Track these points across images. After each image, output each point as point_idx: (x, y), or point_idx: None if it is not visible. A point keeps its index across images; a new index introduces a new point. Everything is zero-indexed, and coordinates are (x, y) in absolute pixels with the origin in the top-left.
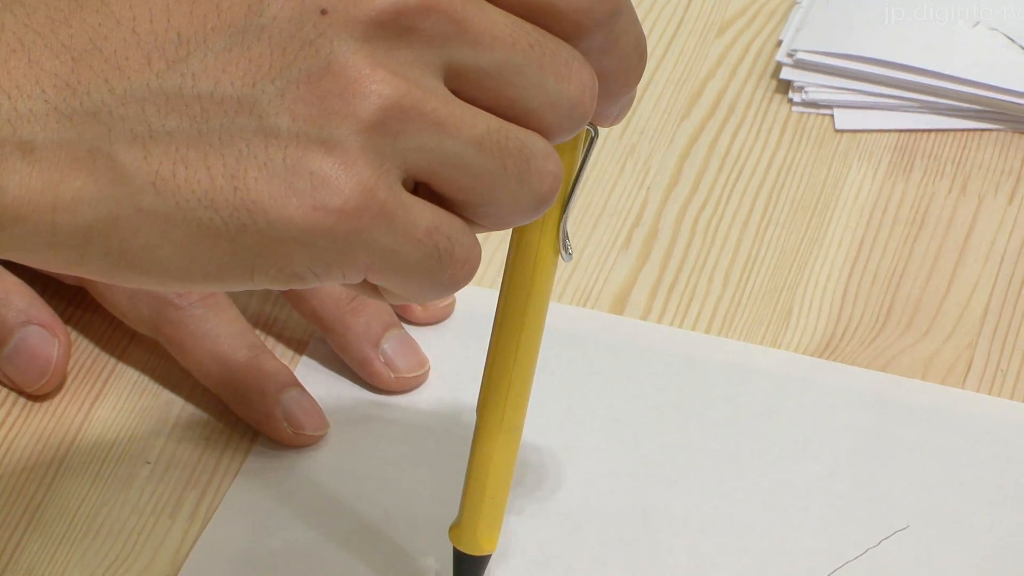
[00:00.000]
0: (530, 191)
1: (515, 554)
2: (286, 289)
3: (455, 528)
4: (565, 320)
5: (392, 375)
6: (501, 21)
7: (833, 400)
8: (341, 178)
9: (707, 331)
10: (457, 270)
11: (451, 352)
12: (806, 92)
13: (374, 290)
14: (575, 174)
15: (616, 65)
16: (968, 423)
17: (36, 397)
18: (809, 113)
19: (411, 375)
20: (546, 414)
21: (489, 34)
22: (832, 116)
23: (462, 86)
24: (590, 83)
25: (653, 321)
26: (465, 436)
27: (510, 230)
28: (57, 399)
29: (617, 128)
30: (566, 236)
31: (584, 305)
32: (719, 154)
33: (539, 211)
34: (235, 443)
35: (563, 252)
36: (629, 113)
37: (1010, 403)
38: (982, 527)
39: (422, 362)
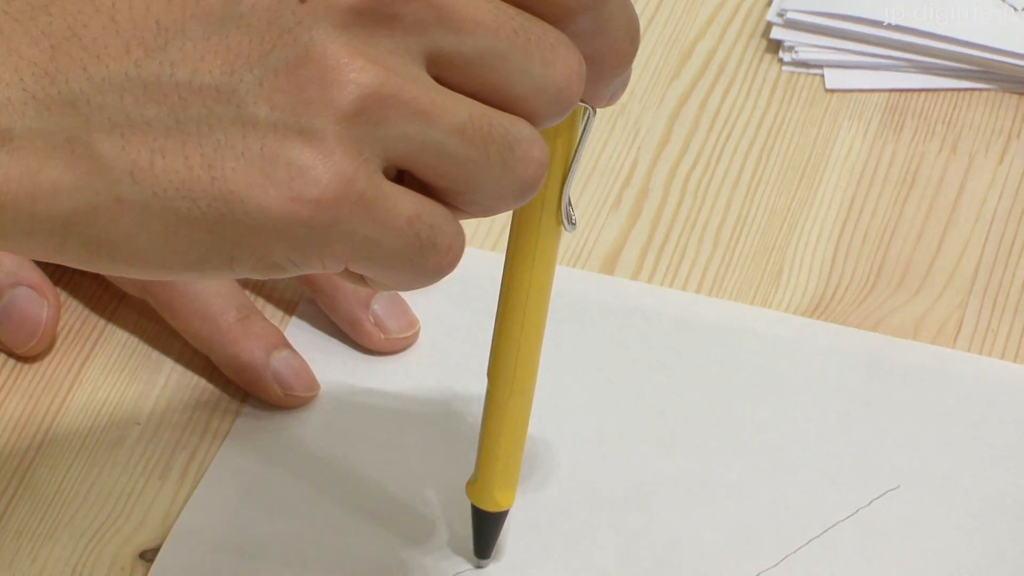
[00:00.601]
0: (514, 178)
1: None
2: (267, 278)
3: (472, 485)
4: (555, 280)
5: (382, 336)
6: (484, 7)
7: (824, 360)
8: (319, 168)
9: (697, 291)
10: (441, 258)
11: (441, 313)
12: (796, 52)
13: (359, 278)
14: (575, 148)
15: (607, 48)
16: (959, 383)
17: (25, 358)
18: (799, 73)
19: (401, 336)
20: (541, 371)
21: (471, 20)
22: (822, 76)
23: (445, 73)
24: (577, 68)
25: (643, 281)
26: (454, 396)
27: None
28: (46, 360)
29: None
30: (569, 207)
31: (574, 265)
32: (709, 114)
33: (524, 198)
34: (225, 404)
35: (566, 223)
36: None
37: (1001, 362)
38: (973, 487)
39: (412, 323)
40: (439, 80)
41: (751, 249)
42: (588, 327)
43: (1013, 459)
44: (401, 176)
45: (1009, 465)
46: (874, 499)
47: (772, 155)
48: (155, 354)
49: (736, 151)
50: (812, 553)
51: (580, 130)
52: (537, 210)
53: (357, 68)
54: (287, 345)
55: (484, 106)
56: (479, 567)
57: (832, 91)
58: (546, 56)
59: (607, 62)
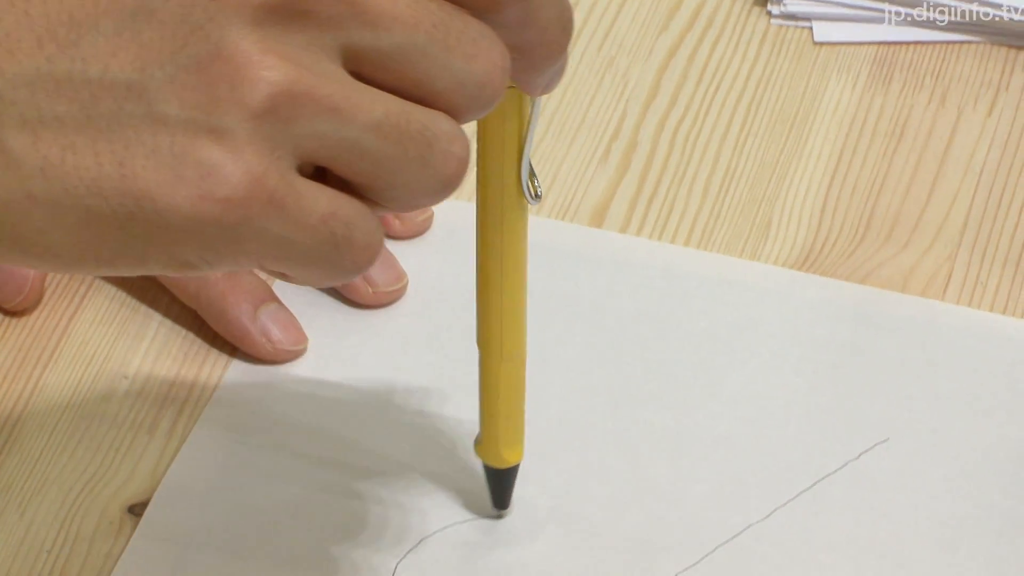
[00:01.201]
0: (434, 174)
1: None
2: (182, 275)
3: (479, 445)
4: (544, 233)
5: (370, 289)
6: (403, 1)
7: (812, 313)
8: (228, 167)
9: (686, 244)
10: (358, 255)
11: (429, 266)
12: (785, 4)
13: (280, 273)
14: (527, 125)
15: (536, 39)
16: (948, 335)
17: (13, 313)
18: (788, 26)
19: (389, 289)
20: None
21: (389, 15)
22: (811, 29)
23: (363, 69)
24: (500, 62)
25: (632, 234)
26: (443, 349)
27: (474, 176)
28: (34, 316)
29: (595, 41)
30: (531, 180)
31: (563, 218)
32: (697, 67)
33: (445, 193)
34: (213, 358)
35: (529, 197)
36: (607, 26)
37: (990, 315)
38: (962, 439)
39: (400, 276)
40: (357, 76)
41: (739, 202)
42: (576, 280)
43: (1002, 411)
44: (323, 173)
45: (998, 417)
46: (863, 452)
47: (760, 108)
48: (143, 308)
49: (724, 104)
50: (801, 506)
51: (530, 109)
52: (497, 190)
53: (268, 66)
54: (275, 299)
55: (402, 102)
56: (499, 517)
57: (820, 44)
58: (467, 50)
59: (538, 53)
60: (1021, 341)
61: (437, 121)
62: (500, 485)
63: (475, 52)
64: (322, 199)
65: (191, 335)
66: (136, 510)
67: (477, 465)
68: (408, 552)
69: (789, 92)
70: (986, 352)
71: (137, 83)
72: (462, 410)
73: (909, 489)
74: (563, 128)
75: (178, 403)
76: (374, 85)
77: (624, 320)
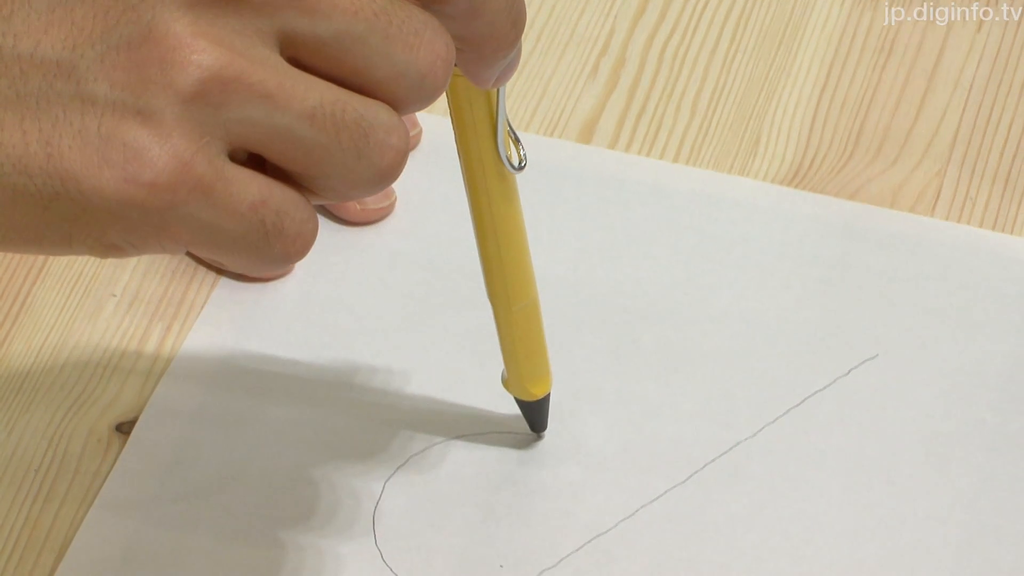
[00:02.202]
0: (369, 166)
1: (483, 383)
2: (108, 258)
3: (506, 382)
4: (533, 149)
5: (358, 206)
6: None
7: (801, 229)
8: (154, 150)
9: (675, 160)
10: (288, 245)
11: (417, 183)
12: None
13: (211, 258)
14: (495, 103)
15: (485, 31)
16: (937, 251)
17: None
18: None
19: (377, 206)
20: None
21: (328, 2)
22: None
23: (300, 55)
24: (443, 53)
25: (621, 150)
26: (432, 265)
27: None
28: None
29: None
30: (517, 145)
31: (551, 134)
32: None
33: (382, 185)
34: (201, 276)
35: (510, 167)
36: None
37: (978, 231)
38: (951, 355)
39: (388, 193)
40: (295, 62)
41: (728, 118)
42: (565, 196)
43: (991, 327)
44: (261, 160)
45: (987, 332)
46: (852, 368)
47: (749, 24)
48: None
49: (713, 20)
50: (790, 423)
51: (496, 89)
52: (478, 166)
53: (199, 49)
54: None
55: (339, 90)
56: (539, 439)
57: None
58: (409, 40)
59: (486, 46)
60: (1010, 257)
61: (375, 111)
62: (535, 413)
63: (417, 43)
64: (252, 186)
65: None
66: (124, 428)
67: (466, 381)
68: (396, 470)
69: (778, 7)
70: (975, 268)
71: (67, 61)
72: (451, 326)
73: (898, 405)
74: (551, 44)
75: (166, 320)
76: (312, 72)
77: (612, 236)
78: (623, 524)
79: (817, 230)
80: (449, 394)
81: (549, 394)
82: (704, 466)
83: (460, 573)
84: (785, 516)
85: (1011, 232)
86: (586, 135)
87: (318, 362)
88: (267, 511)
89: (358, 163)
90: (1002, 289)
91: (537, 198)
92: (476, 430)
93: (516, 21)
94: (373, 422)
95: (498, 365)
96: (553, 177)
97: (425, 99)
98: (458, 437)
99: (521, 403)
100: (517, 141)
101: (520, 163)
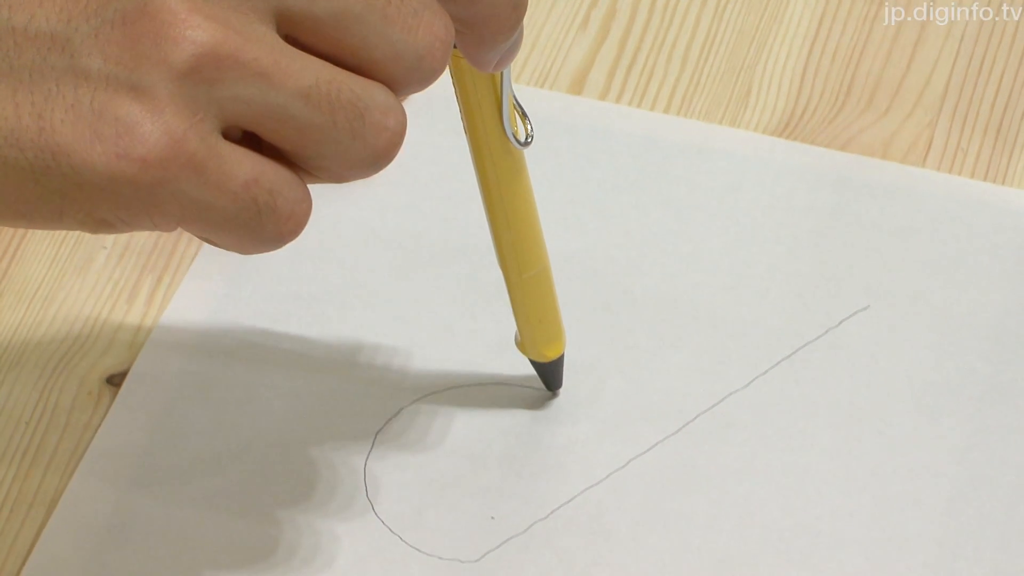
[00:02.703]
0: (364, 146)
1: (474, 335)
2: (100, 233)
3: (520, 344)
4: (523, 100)
5: None
6: None
7: (793, 180)
8: (146, 126)
9: (666, 111)
10: (281, 224)
11: (410, 134)
12: None
13: (203, 236)
14: (499, 82)
15: (485, 13)
16: (928, 202)
17: None
18: None
19: None
20: None
21: None
22: None
23: (297, 34)
24: (442, 35)
25: (612, 101)
26: (424, 217)
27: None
28: None
29: None
30: (524, 120)
31: (542, 85)
32: None
33: (378, 167)
34: None
35: (515, 143)
36: None
37: (970, 181)
38: (943, 306)
39: None
40: (291, 41)
41: (719, 69)
42: (555, 147)
43: (982, 277)
44: (257, 138)
45: (979, 283)
46: (844, 319)
47: None
48: None
49: None
50: (781, 374)
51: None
52: (484, 141)
53: (194, 25)
54: None
55: (336, 70)
56: (554, 397)
57: None
58: (408, 21)
59: (487, 29)
60: (1001, 207)
61: (371, 92)
62: (549, 374)
63: (416, 23)
64: (246, 164)
65: None
66: (115, 380)
67: (457, 333)
68: (387, 422)
69: None
70: (967, 219)
71: (61, 35)
72: (443, 277)
73: (890, 356)
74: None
75: (156, 272)
76: (309, 51)
77: (603, 188)
78: (615, 475)
79: (808, 181)
80: (440, 346)
81: (563, 355)
82: (695, 417)
83: (451, 525)
84: (776, 467)
85: (1003, 182)
86: (577, 86)
87: (309, 314)
88: (257, 463)
89: (353, 143)
90: (993, 239)
91: (527, 150)
92: (467, 382)
93: (518, 4)
94: (364, 374)
95: (489, 317)
96: (543, 129)
97: (423, 80)
98: (449, 389)
99: (535, 364)
100: (524, 116)
101: (526, 139)
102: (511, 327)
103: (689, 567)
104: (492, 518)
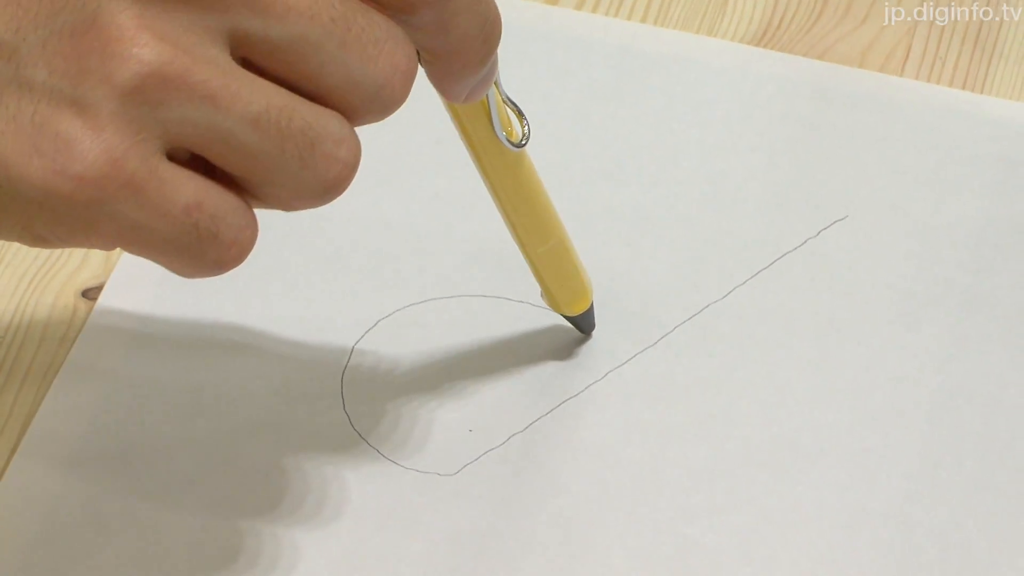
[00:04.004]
0: (313, 177)
1: (451, 245)
2: (36, 247)
3: (544, 297)
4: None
5: None
6: None
7: (770, 89)
8: (86, 143)
9: (642, 21)
10: (222, 251)
11: None
12: None
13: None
14: (486, 96)
15: (453, 46)
16: (906, 111)
17: None
18: None
19: None
20: None
21: (283, 3)
22: None
23: (252, 56)
24: (403, 66)
25: (588, 11)
26: (403, 129)
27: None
28: None
29: None
30: (517, 118)
31: None
32: None
33: (326, 198)
34: None
35: (508, 145)
36: None
37: (948, 90)
38: (921, 215)
39: None
40: (246, 64)
41: None
42: (531, 59)
43: (962, 187)
44: (207, 160)
45: (958, 193)
46: (822, 229)
47: None
48: None
49: None
50: (760, 284)
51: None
52: (478, 146)
53: (142, 43)
54: None
55: (289, 96)
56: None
57: None
58: (368, 50)
59: (455, 61)
60: (980, 116)
61: (324, 120)
62: (579, 324)
63: (376, 53)
64: (188, 187)
65: None
66: (90, 294)
67: (435, 245)
68: (365, 333)
69: None
70: (945, 128)
71: (9, 44)
72: (419, 187)
73: (869, 266)
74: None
75: None
76: (263, 75)
77: (579, 99)
78: (592, 387)
79: (786, 91)
80: (416, 258)
81: (592, 304)
82: (673, 328)
83: (429, 437)
84: (755, 379)
85: (981, 91)
86: None
87: (284, 224)
88: (231, 373)
89: (302, 173)
90: (972, 149)
91: (502, 60)
92: (445, 294)
93: (488, 38)
94: (341, 285)
95: (467, 229)
96: (519, 39)
97: (381, 111)
98: (426, 301)
99: (567, 318)
100: (520, 114)
101: (522, 139)
102: (489, 238)
103: (666, 479)
104: (470, 431)
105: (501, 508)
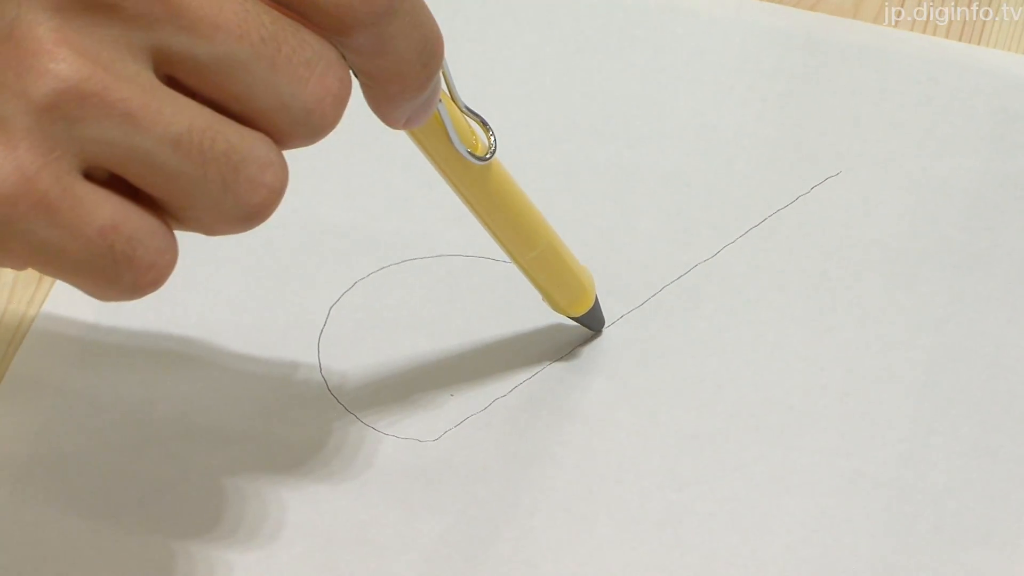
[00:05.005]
0: (236, 201)
1: (429, 205)
2: None
3: (545, 301)
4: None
5: None
6: (231, 8)
7: (761, 41)
8: None
9: None
10: (139, 275)
11: None
12: None
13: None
14: (439, 115)
15: (391, 70)
16: (902, 63)
17: None
18: None
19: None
20: (465, 58)
21: (210, 21)
22: None
23: (178, 75)
24: (335, 89)
25: None
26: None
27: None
28: None
29: None
30: (482, 128)
31: None
32: None
33: (249, 224)
34: None
35: (472, 160)
36: None
37: (944, 41)
38: (916, 171)
39: None
40: (171, 82)
41: None
42: (514, 12)
43: (958, 141)
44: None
45: (954, 147)
46: (815, 186)
47: None
48: None
49: None
50: (750, 243)
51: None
52: (443, 164)
53: (59, 57)
54: None
55: (214, 117)
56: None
57: None
58: (298, 72)
59: (392, 85)
60: (978, 68)
61: (250, 143)
62: (586, 322)
63: (307, 75)
64: (105, 208)
65: None
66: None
67: (412, 205)
68: (342, 295)
69: None
70: (942, 80)
71: None
72: (394, 147)
73: (862, 224)
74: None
75: None
76: (189, 94)
77: (564, 50)
78: (578, 349)
79: (777, 42)
80: (396, 216)
81: (596, 301)
82: (661, 289)
83: (408, 402)
84: (745, 340)
85: (978, 43)
86: None
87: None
88: (207, 332)
89: (224, 198)
90: (970, 102)
91: (484, 12)
92: (424, 254)
93: (428, 62)
94: (317, 247)
95: (446, 188)
96: None
97: (311, 135)
98: (405, 261)
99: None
100: (485, 125)
101: (487, 154)
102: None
103: (654, 444)
104: (451, 395)
105: (484, 475)
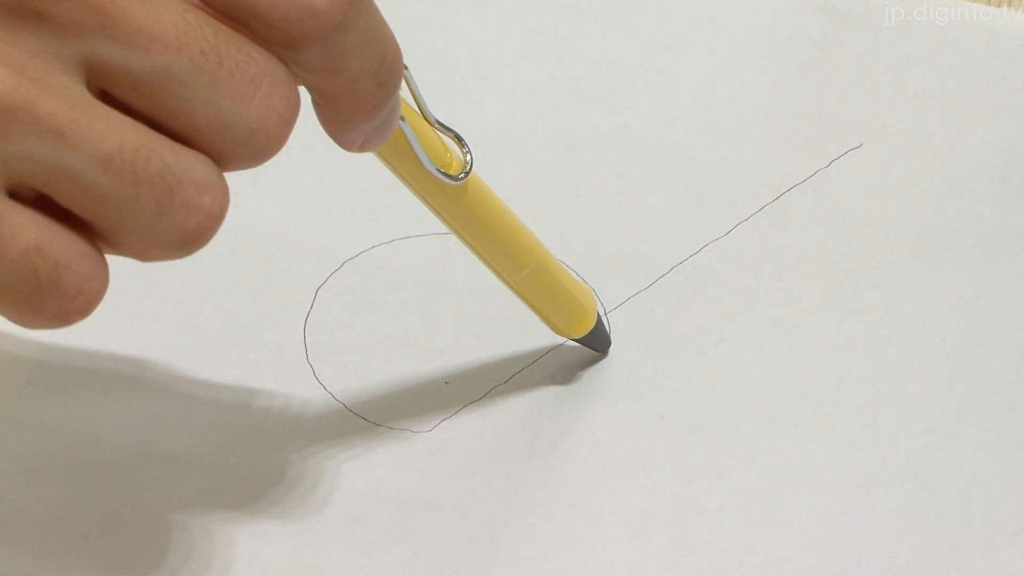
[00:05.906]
0: (171, 226)
1: None
2: None
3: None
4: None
5: None
6: (170, 19)
7: (777, 4)
8: None
9: None
10: (66, 302)
11: None
12: None
13: None
14: (404, 138)
15: (344, 89)
16: (927, 28)
17: None
18: None
19: None
20: (465, 21)
21: (146, 33)
22: None
23: (113, 89)
24: (281, 108)
25: None
26: None
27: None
28: None
29: None
30: (456, 143)
31: None
32: None
33: (185, 251)
34: None
35: (444, 178)
36: None
37: (973, 5)
38: (943, 143)
39: None
40: (106, 97)
41: None
42: None
43: (988, 111)
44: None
45: (982, 120)
46: (834, 159)
47: None
48: None
49: None
50: (765, 220)
51: (411, 95)
52: (418, 186)
53: None
54: None
55: (149, 135)
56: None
57: None
58: (241, 89)
59: (346, 105)
60: (1009, 34)
61: (187, 164)
62: (590, 343)
63: (251, 92)
64: (30, 230)
65: None
66: None
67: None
68: (329, 277)
69: None
70: (970, 46)
71: None
72: None
73: (886, 200)
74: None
75: None
76: (124, 110)
77: (567, 16)
78: None
79: (794, 6)
80: (386, 193)
81: (599, 320)
82: (671, 269)
83: (400, 390)
84: (760, 324)
85: (1008, 6)
86: None
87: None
88: (188, 319)
89: (158, 222)
90: (1000, 69)
91: None
92: (416, 232)
93: (384, 81)
94: (304, 227)
95: None
96: None
97: (254, 157)
98: (395, 240)
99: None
100: (459, 140)
101: (462, 173)
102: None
103: (661, 436)
104: (446, 383)
105: (480, 468)
